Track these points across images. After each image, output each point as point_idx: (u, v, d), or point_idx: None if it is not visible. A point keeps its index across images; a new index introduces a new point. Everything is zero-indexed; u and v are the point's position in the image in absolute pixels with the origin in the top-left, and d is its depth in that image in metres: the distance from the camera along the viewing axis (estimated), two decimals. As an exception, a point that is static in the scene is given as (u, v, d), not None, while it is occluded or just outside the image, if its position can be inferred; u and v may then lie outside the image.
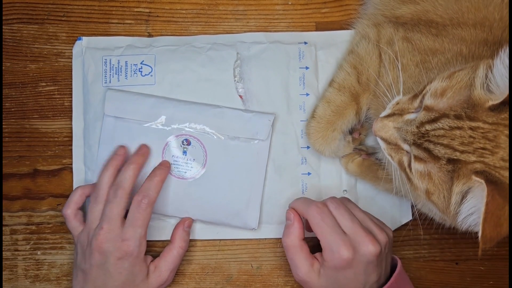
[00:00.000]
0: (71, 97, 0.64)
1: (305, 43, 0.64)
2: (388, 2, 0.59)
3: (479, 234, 0.40)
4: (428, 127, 0.44)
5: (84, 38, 0.65)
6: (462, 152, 0.42)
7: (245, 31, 0.65)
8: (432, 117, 0.44)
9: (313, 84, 0.64)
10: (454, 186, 0.43)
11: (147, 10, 0.66)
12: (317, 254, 0.54)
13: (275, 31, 0.65)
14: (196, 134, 0.61)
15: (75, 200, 0.58)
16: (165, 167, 0.60)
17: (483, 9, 0.52)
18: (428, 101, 0.45)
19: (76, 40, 0.65)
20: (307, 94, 0.63)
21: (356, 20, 0.64)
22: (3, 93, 0.65)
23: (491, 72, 0.42)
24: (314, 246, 0.55)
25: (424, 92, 0.46)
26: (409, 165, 0.46)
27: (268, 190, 0.63)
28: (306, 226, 0.56)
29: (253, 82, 0.63)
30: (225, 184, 0.61)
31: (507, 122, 0.41)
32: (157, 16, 0.66)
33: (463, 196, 0.43)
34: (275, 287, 0.64)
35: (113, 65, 0.63)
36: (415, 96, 0.47)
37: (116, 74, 0.63)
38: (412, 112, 0.47)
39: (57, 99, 0.65)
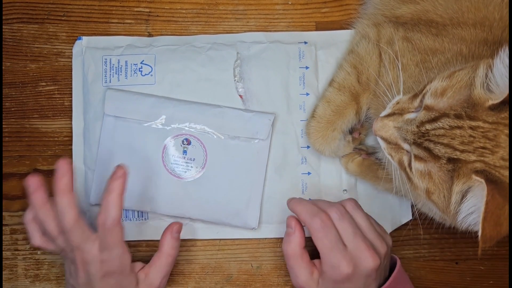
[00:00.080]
0: (71, 97, 0.64)
1: (305, 42, 0.64)
2: (388, 2, 0.59)
3: (479, 234, 0.40)
4: (428, 126, 0.44)
5: (84, 37, 0.65)
6: (462, 151, 0.42)
7: (245, 31, 0.65)
8: (432, 117, 0.44)
9: (313, 84, 0.64)
10: (454, 185, 0.43)
11: (147, 10, 0.66)
12: (317, 262, 0.54)
13: (275, 30, 0.65)
14: (196, 134, 0.61)
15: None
16: (119, 177, 0.52)
17: (483, 9, 0.52)
18: (428, 100, 0.45)
19: (76, 39, 0.65)
20: (307, 94, 0.63)
21: (356, 20, 0.64)
22: (3, 93, 0.65)
23: (491, 72, 0.42)
24: (314, 249, 0.54)
25: (424, 91, 0.46)
26: (409, 164, 0.46)
27: (268, 190, 0.63)
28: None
29: (253, 82, 0.63)
30: (225, 184, 0.61)
31: (507, 122, 0.41)
32: (157, 15, 0.66)
33: (463, 196, 0.43)
34: (275, 286, 0.64)
35: (113, 64, 0.63)
36: (415, 96, 0.47)
37: (116, 73, 0.63)
38: (412, 111, 0.47)
39: (57, 99, 0.65)
